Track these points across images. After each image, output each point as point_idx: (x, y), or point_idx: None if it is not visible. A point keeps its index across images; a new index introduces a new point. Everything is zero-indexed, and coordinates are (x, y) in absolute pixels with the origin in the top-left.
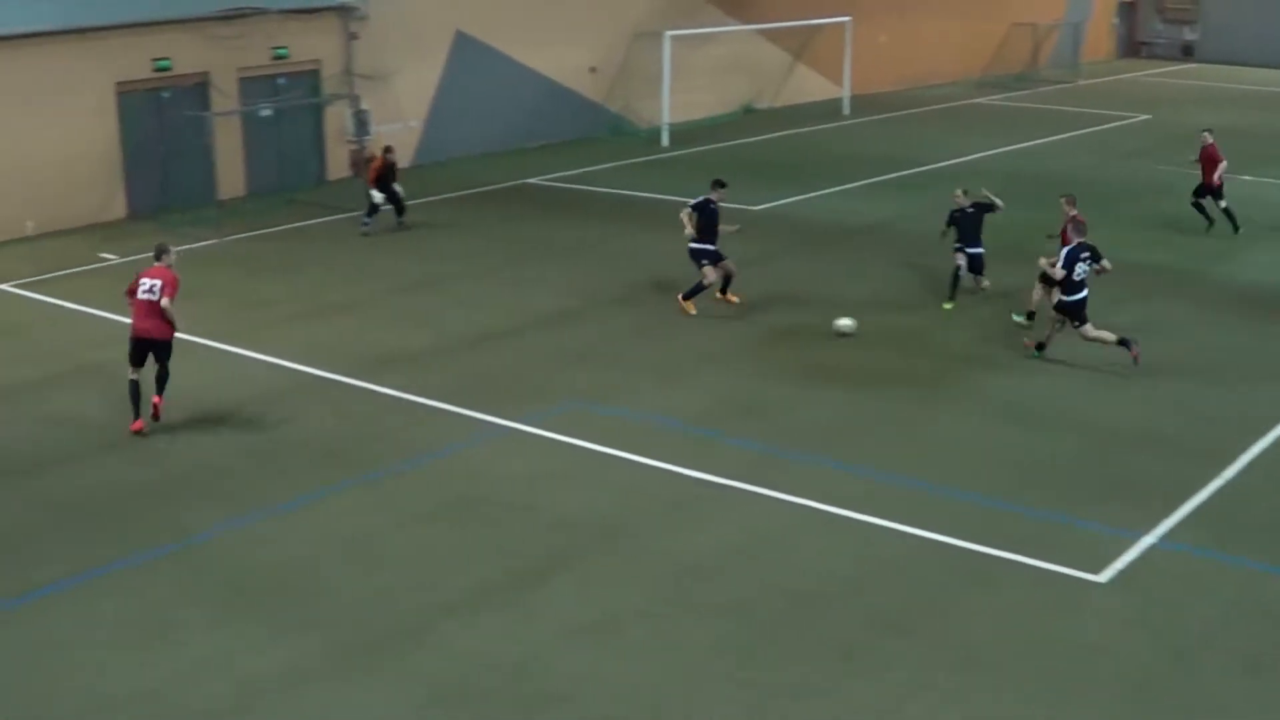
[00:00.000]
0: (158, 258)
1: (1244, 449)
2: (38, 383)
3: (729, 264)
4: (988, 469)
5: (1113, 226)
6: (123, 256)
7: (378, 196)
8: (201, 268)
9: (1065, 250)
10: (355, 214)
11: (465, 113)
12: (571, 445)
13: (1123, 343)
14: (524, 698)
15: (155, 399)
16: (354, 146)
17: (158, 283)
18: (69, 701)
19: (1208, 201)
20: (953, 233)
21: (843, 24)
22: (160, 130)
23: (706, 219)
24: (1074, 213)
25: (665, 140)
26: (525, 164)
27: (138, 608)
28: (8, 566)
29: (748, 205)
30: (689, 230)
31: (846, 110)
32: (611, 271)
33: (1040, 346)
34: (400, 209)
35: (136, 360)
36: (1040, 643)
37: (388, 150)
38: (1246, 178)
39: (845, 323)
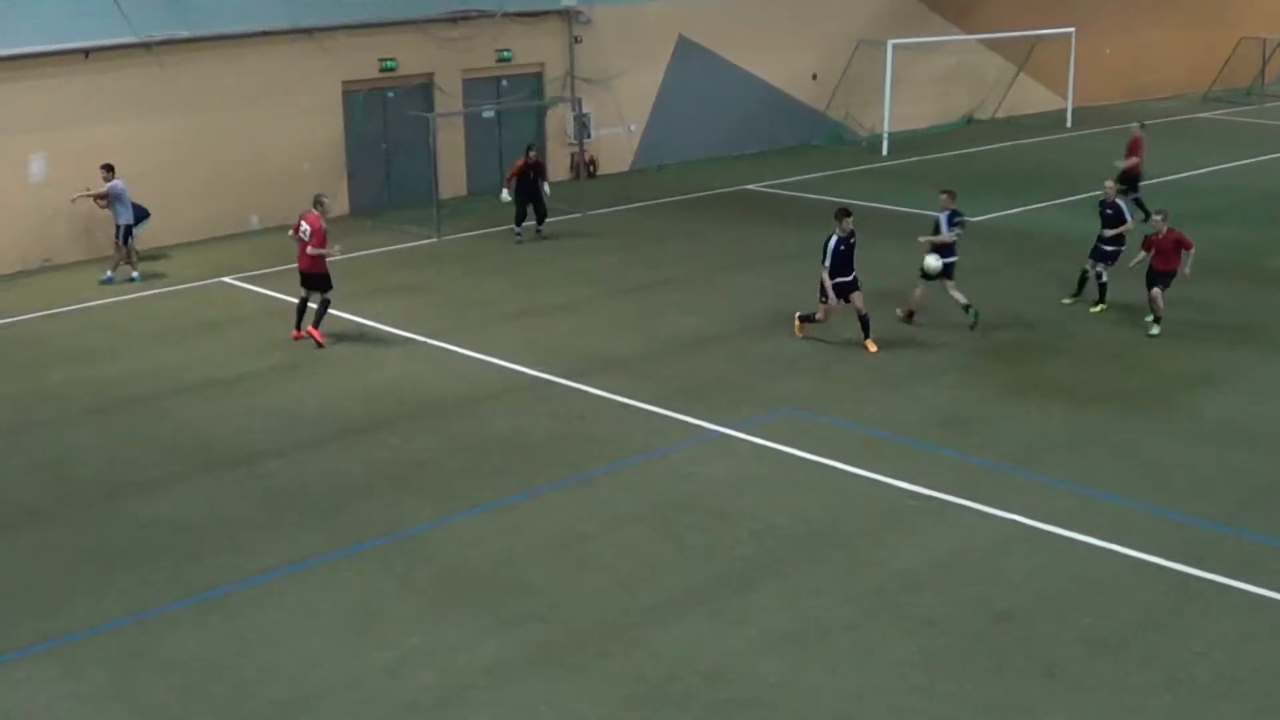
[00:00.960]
0: (314, 205)
1: None
2: (257, 374)
3: (859, 300)
4: (1203, 489)
5: None
6: (344, 252)
7: (506, 196)
8: (421, 265)
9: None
10: (573, 216)
11: (686, 117)
12: (782, 452)
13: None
14: (721, 703)
15: (311, 329)
16: (574, 149)
17: (307, 228)
18: (276, 691)
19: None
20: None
21: (1067, 35)
22: (384, 129)
23: (838, 259)
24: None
25: (885, 149)
26: (744, 170)
27: (347, 599)
28: (221, 554)
29: (968, 216)
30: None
31: (1069, 122)
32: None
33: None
34: (541, 215)
35: (303, 287)
36: (1252, 670)
37: (530, 149)
38: None
39: (932, 262)
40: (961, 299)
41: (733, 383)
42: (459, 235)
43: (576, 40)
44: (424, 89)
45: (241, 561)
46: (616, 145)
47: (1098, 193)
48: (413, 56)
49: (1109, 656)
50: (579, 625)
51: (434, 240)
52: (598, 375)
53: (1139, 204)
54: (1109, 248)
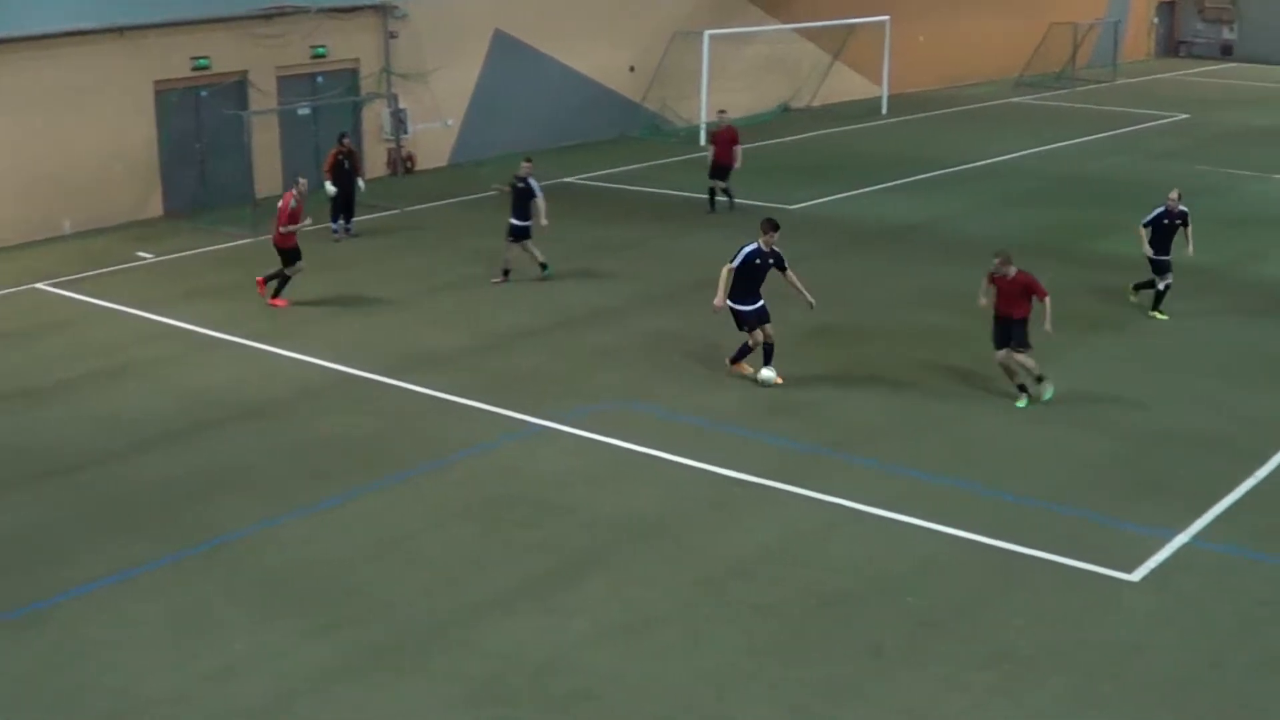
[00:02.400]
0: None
1: (1277, 448)
2: (75, 381)
3: (769, 329)
4: (1021, 468)
5: None
6: (159, 255)
7: (330, 189)
8: (239, 266)
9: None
10: (394, 212)
11: (503, 112)
12: (608, 444)
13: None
14: (555, 697)
15: (259, 279)
16: (391, 145)
17: (279, 205)
18: (102, 703)
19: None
20: (1148, 233)
21: (881, 23)
22: (198, 129)
23: (748, 274)
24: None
25: (703, 140)
26: (563, 163)
27: (173, 608)
28: (42, 567)
29: (784, 204)
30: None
31: (884, 109)
32: (649, 270)
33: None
34: (349, 211)
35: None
36: (1073, 642)
37: (343, 136)
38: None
39: (766, 374)
40: (539, 256)
41: (556, 376)
42: None
43: (392, 36)
44: (238, 87)
45: (63, 573)
46: (434, 141)
47: (911, 179)
48: (226, 54)
49: (935, 634)
50: (407, 626)
51: (251, 240)
52: (420, 372)
53: (727, 193)
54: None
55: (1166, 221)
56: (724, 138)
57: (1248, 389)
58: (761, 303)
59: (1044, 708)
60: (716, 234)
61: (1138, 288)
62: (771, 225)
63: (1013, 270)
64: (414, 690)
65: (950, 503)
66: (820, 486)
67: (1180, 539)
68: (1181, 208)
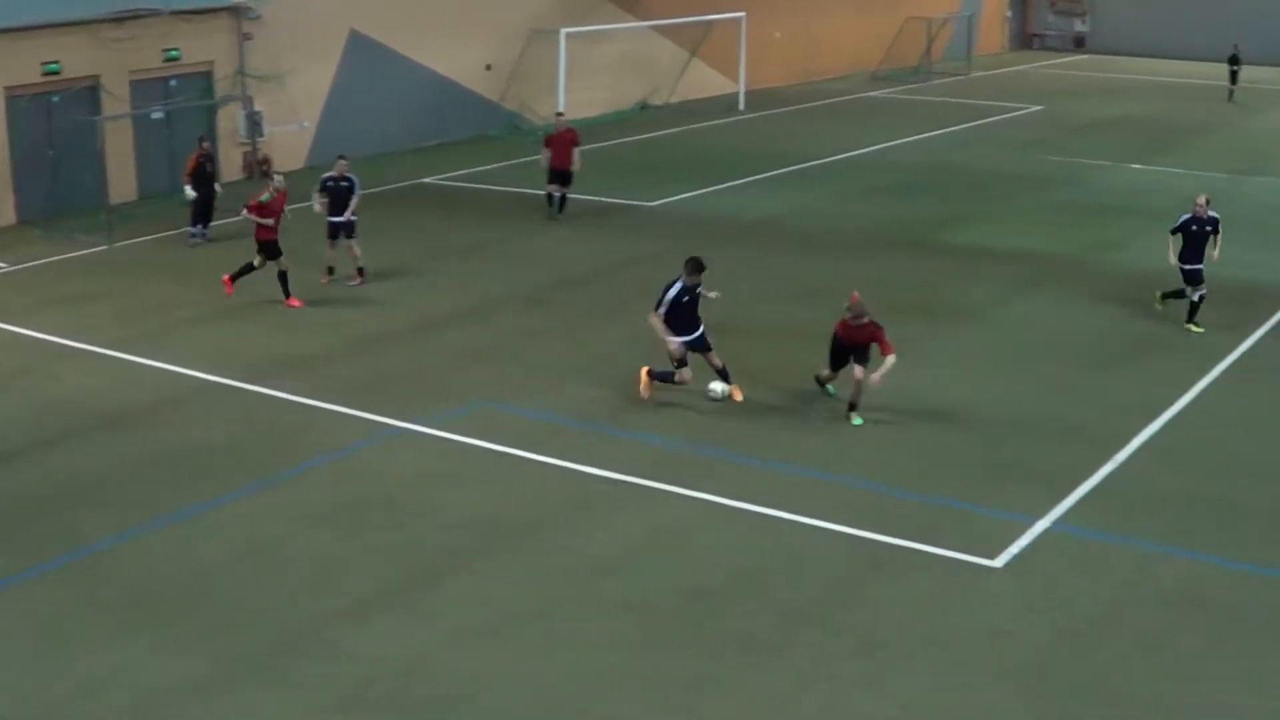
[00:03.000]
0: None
1: (1134, 433)
2: None
3: (715, 357)
4: (886, 459)
5: (1003, 216)
6: (12, 264)
7: (190, 193)
8: (93, 274)
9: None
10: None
11: (360, 112)
12: (472, 445)
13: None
14: (422, 700)
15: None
16: (247, 148)
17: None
18: None
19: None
20: (1177, 241)
21: (738, 20)
22: (50, 135)
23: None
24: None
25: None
26: (421, 163)
27: (33, 623)
28: None
29: (642, 202)
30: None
31: (742, 106)
32: (511, 270)
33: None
34: (207, 216)
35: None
36: (938, 629)
37: (201, 139)
38: (1136, 166)
39: (716, 387)
40: (361, 258)
41: (418, 378)
42: (132, 241)
43: (246, 37)
44: (90, 92)
45: None
46: (290, 143)
47: (769, 174)
48: (78, 59)
49: (803, 625)
50: (272, 633)
51: (106, 247)
52: (280, 377)
53: (564, 199)
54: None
55: (1195, 228)
56: (562, 140)
57: (1105, 375)
58: (701, 329)
59: (912, 695)
60: (576, 232)
61: (1165, 297)
62: (697, 267)
63: (865, 319)
64: (282, 698)
65: (815, 495)
66: (686, 483)
67: (1041, 524)
68: (1211, 213)
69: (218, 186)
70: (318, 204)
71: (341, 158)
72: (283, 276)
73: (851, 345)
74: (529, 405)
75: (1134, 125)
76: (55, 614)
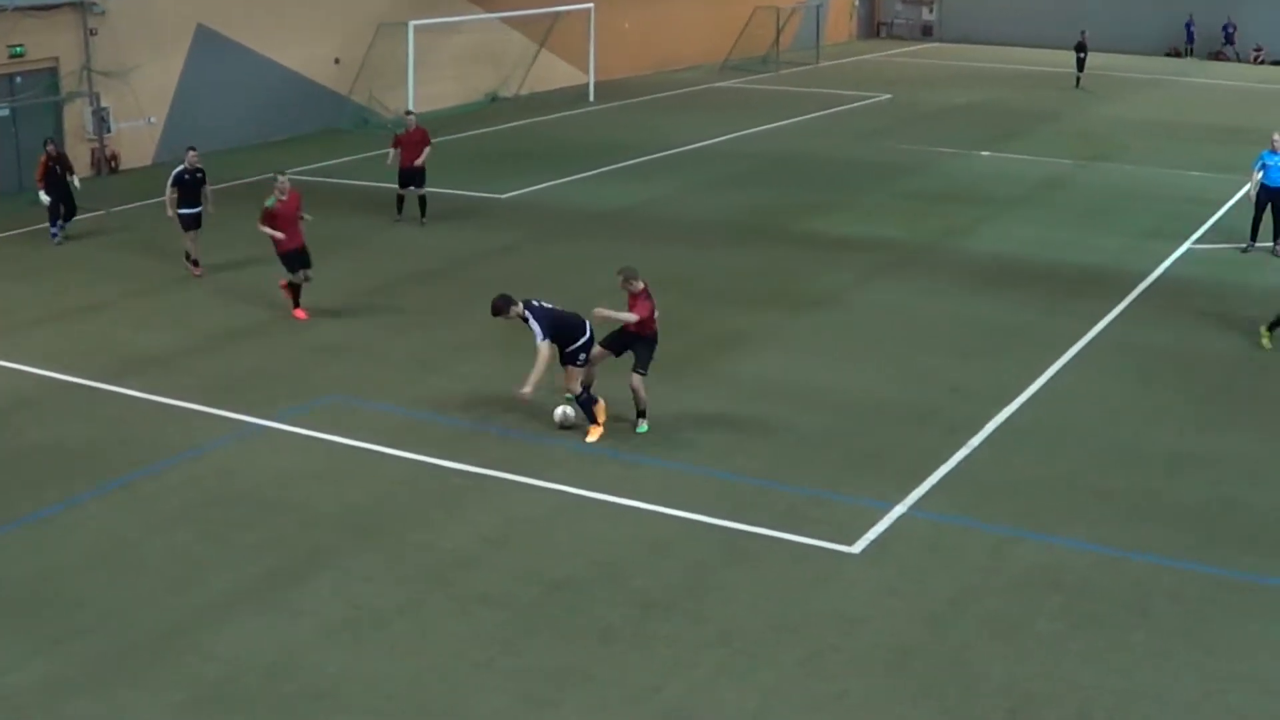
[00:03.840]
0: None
1: (987, 418)
2: None
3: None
4: (743, 447)
5: (855, 204)
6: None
7: (45, 198)
8: None
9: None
10: (100, 213)
11: (208, 108)
12: (326, 441)
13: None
14: (285, 697)
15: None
16: (94, 145)
17: None
18: None
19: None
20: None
21: (586, 10)
22: None
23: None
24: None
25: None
26: (271, 158)
27: None
28: None
29: (494, 194)
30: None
31: (592, 97)
32: (364, 265)
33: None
34: (70, 211)
35: None
36: (798, 615)
37: (48, 142)
38: (985, 153)
39: (561, 413)
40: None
41: (271, 374)
42: None
43: (92, 33)
44: None
45: None
46: (138, 139)
47: (620, 165)
48: None
49: (662, 616)
50: (130, 635)
51: None
52: (133, 376)
53: (423, 201)
54: None
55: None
56: (411, 140)
57: (958, 361)
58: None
59: (774, 682)
60: (429, 226)
61: (1273, 327)
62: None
63: (638, 285)
64: (141, 699)
65: (671, 484)
66: (540, 474)
67: (898, 510)
68: None
69: (76, 182)
70: (170, 205)
71: (191, 149)
72: (295, 288)
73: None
74: (385, 400)
75: (982, 113)
76: None
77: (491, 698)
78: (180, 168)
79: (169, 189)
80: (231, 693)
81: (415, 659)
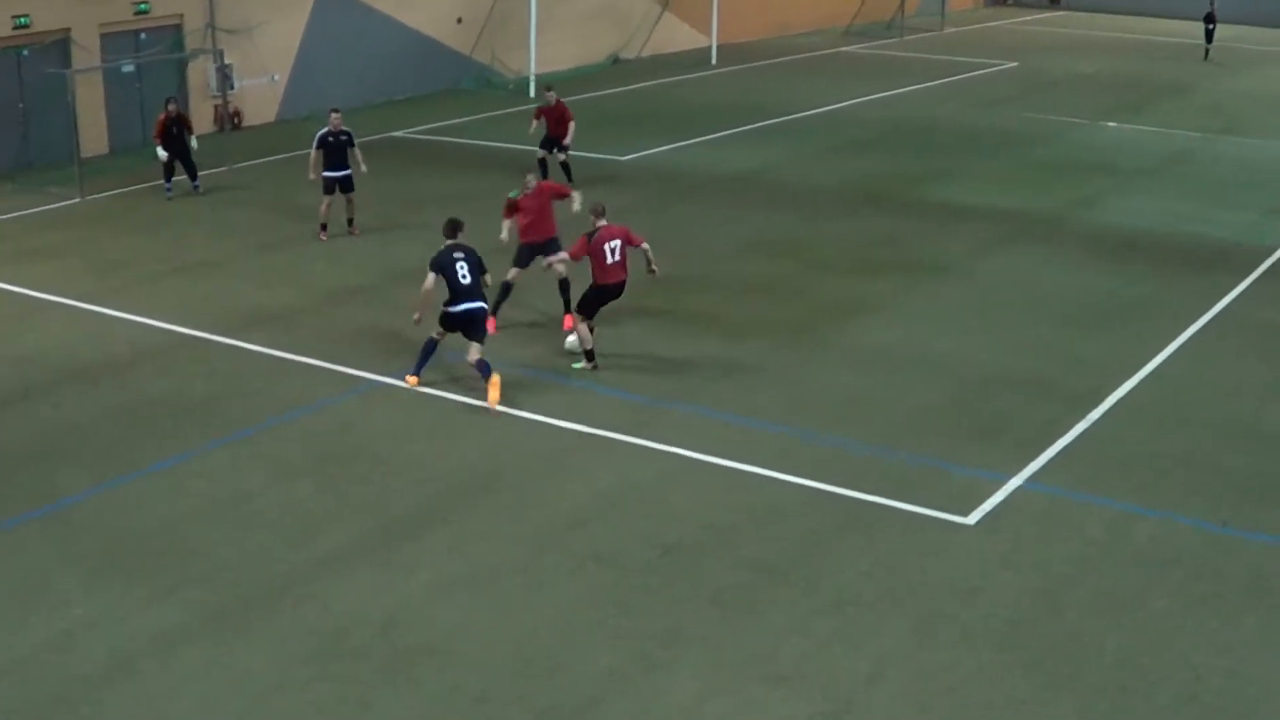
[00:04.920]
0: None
1: (1109, 391)
2: None
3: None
4: (860, 415)
5: (978, 173)
6: None
7: (162, 154)
8: (65, 227)
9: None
10: (219, 170)
11: (330, 66)
12: (442, 398)
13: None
14: (398, 652)
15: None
16: (218, 102)
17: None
18: None
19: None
20: None
21: None
22: (19, 88)
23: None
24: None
25: (532, 92)
26: (392, 117)
27: (7, 575)
28: None
29: (616, 156)
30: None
31: (714, 60)
32: (479, 224)
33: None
34: (190, 170)
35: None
36: (910, 585)
37: (169, 101)
38: (1110, 124)
39: (571, 341)
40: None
41: (389, 331)
42: (103, 194)
43: None
44: (61, 45)
45: None
46: (261, 96)
47: (742, 129)
48: (48, 12)
49: (776, 581)
50: (247, 586)
51: (77, 200)
52: (253, 330)
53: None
54: None
55: None
56: (554, 115)
57: (1080, 333)
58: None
59: (884, 650)
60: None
61: None
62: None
63: (602, 223)
64: (258, 649)
65: (787, 450)
66: (657, 436)
67: (1014, 482)
68: None
69: (193, 142)
70: (313, 168)
71: (335, 111)
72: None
73: (601, 268)
74: (502, 359)
75: (1108, 83)
76: (30, 566)
77: (603, 657)
78: (324, 130)
79: (313, 151)
80: (345, 646)
81: (528, 616)
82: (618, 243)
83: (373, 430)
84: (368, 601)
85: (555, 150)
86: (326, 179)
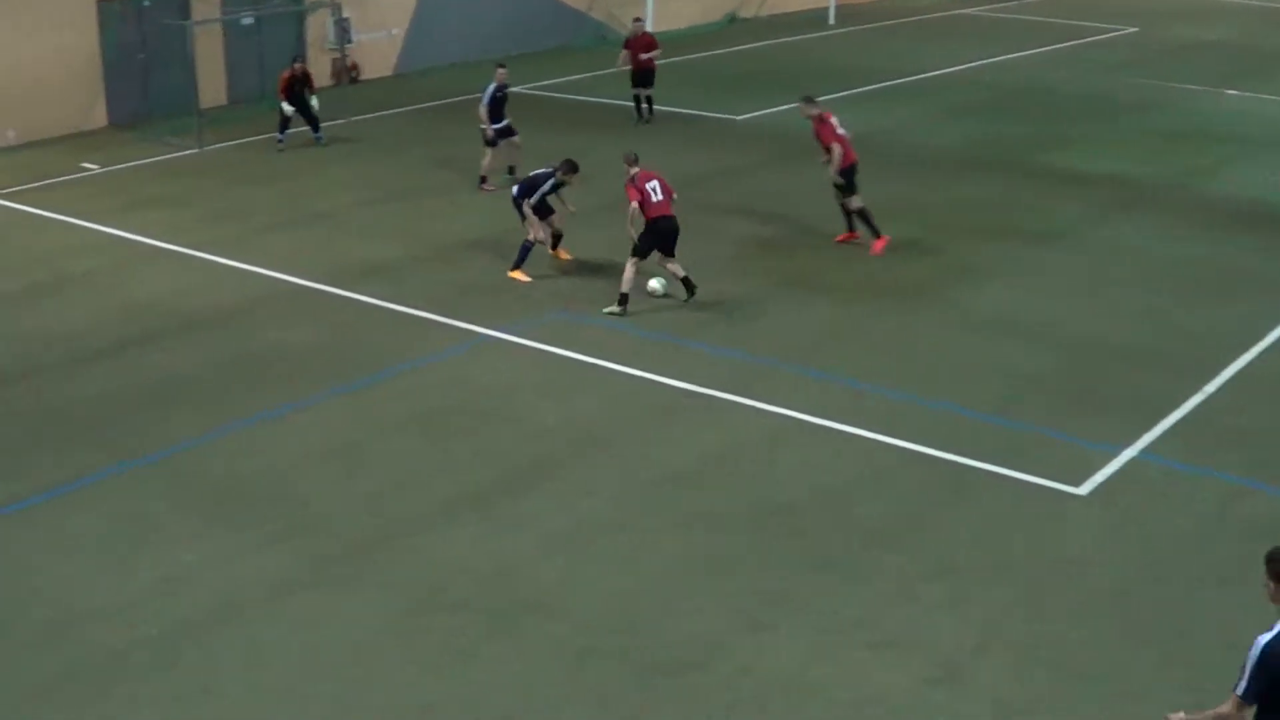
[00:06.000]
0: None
1: (1225, 364)
2: (18, 294)
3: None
4: (971, 381)
5: (1095, 139)
6: (104, 166)
7: (287, 108)
8: (182, 176)
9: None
10: (335, 123)
11: (448, 21)
12: (552, 354)
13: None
14: (502, 606)
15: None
16: (335, 55)
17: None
18: (44, 613)
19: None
20: None
21: None
22: (140, 39)
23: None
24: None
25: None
26: (509, 72)
27: (118, 518)
28: None
29: (731, 115)
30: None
31: (832, 20)
32: (593, 179)
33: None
34: (314, 124)
35: None
36: (1020, 554)
37: (295, 59)
38: (1232, 92)
39: (655, 284)
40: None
41: (501, 287)
42: (221, 145)
43: None
44: None
45: (7, 486)
46: (379, 50)
47: (859, 90)
48: None
49: (884, 546)
50: (354, 535)
51: (195, 151)
52: (365, 282)
53: (649, 104)
54: None
55: None
56: (640, 43)
57: (1196, 304)
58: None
59: (990, 619)
60: (665, 144)
61: None
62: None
63: (636, 169)
64: (361, 599)
65: (897, 414)
66: (766, 397)
67: (1127, 453)
68: None
69: (315, 102)
70: (486, 122)
71: (501, 66)
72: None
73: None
74: (613, 317)
75: (1231, 50)
76: (140, 511)
77: (706, 618)
78: (493, 86)
79: (484, 109)
80: (448, 599)
81: (631, 574)
82: (656, 182)
83: (482, 384)
84: (473, 554)
85: (640, 85)
86: (496, 130)
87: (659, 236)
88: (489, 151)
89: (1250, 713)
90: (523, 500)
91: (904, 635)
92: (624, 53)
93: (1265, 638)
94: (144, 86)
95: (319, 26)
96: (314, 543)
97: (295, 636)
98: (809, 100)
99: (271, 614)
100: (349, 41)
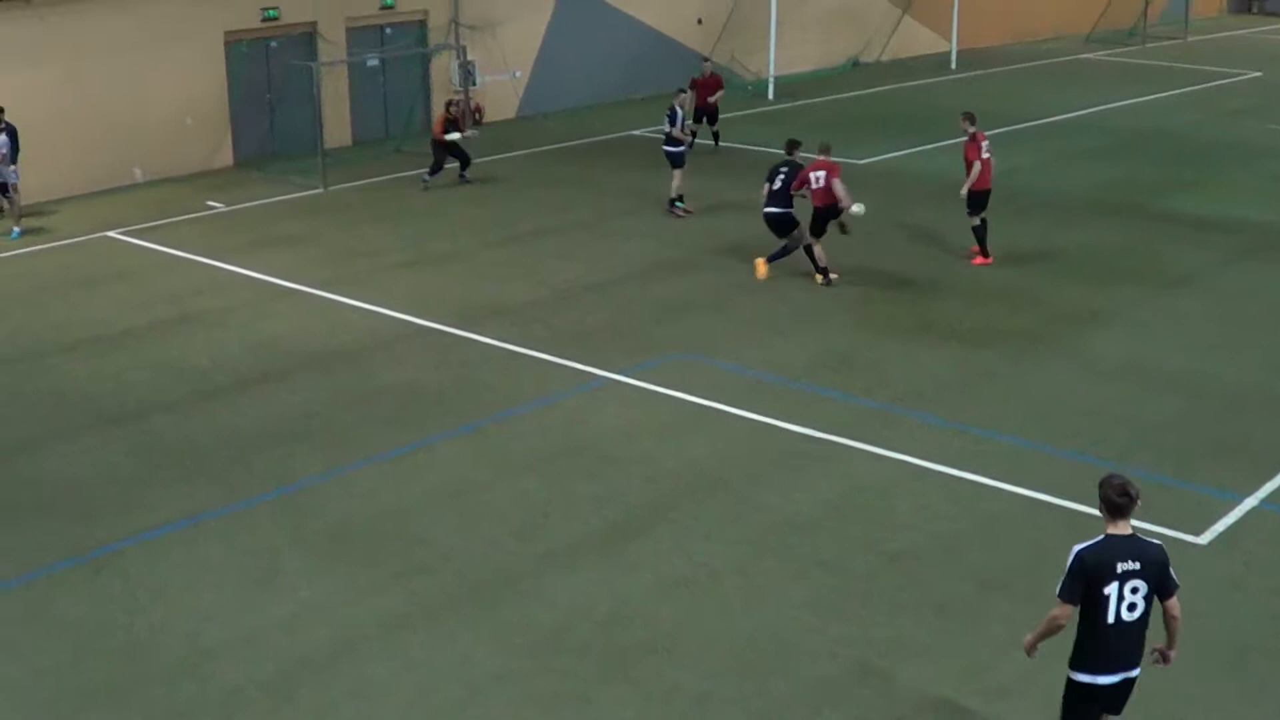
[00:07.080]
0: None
1: None
2: (144, 329)
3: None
4: (1093, 427)
5: (1220, 183)
6: (229, 204)
7: (454, 135)
8: (306, 216)
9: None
10: (456, 165)
11: (571, 64)
12: (672, 397)
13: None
14: (618, 649)
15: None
16: (460, 97)
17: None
18: (169, 648)
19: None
20: None
21: None
22: (267, 79)
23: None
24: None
25: (771, 93)
26: (630, 116)
27: (239, 554)
28: (110, 512)
29: (855, 159)
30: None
31: (954, 64)
32: (714, 224)
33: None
34: (465, 163)
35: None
36: None
37: (450, 104)
38: None
39: (857, 209)
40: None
41: (622, 329)
42: (345, 185)
43: None
44: (307, 38)
45: (132, 519)
46: (502, 92)
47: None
48: (295, 5)
49: (1000, 593)
50: (472, 575)
51: (320, 191)
52: (486, 324)
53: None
54: None
55: None
56: (707, 84)
57: None
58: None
59: None
60: None
61: None
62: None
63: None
64: (478, 638)
65: (1015, 461)
66: (884, 443)
67: (1249, 502)
68: None
69: (458, 136)
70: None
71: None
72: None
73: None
74: (727, 359)
75: None
76: (262, 547)
77: (823, 663)
78: (678, 109)
79: (679, 130)
80: (567, 640)
81: (749, 619)
82: (822, 174)
83: (602, 427)
84: (590, 597)
85: (705, 121)
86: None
87: (824, 216)
88: (677, 174)
89: (1073, 611)
90: (640, 543)
91: (1019, 683)
92: (690, 93)
93: (1080, 545)
94: (270, 127)
95: (443, 69)
96: (432, 582)
97: (410, 676)
98: (969, 117)
99: (387, 652)
100: (473, 84)
